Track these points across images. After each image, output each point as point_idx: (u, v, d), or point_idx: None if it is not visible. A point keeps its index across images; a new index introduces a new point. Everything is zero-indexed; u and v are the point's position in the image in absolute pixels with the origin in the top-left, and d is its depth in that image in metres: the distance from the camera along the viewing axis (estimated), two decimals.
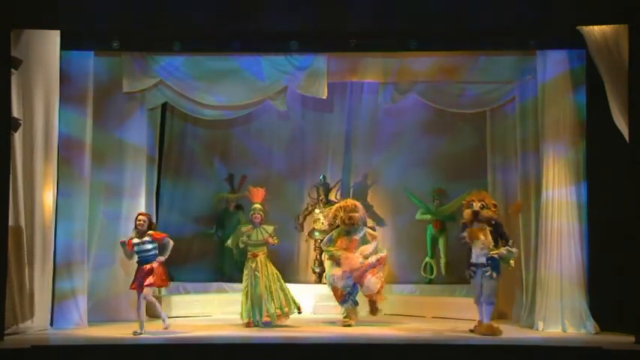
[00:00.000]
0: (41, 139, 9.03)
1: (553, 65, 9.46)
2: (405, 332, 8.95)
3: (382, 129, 11.80)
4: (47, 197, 9.09)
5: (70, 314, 9.27)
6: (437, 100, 10.55)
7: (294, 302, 9.51)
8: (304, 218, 11.66)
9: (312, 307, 10.78)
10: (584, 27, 8.84)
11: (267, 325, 9.30)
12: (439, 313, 10.35)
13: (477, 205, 8.75)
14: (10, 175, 8.47)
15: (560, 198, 9.27)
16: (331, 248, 9.66)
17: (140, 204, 10.14)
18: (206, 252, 11.83)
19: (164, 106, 10.87)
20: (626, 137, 8.54)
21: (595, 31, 8.81)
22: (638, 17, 8.31)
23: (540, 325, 9.16)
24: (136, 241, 8.80)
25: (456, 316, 9.86)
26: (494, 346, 7.97)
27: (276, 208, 11.74)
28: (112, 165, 10.06)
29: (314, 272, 11.50)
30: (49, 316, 9.13)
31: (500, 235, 8.79)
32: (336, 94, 11.54)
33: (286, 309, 9.39)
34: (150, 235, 8.82)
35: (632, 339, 8.16)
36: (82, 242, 9.46)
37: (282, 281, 9.54)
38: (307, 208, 11.66)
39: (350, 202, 9.84)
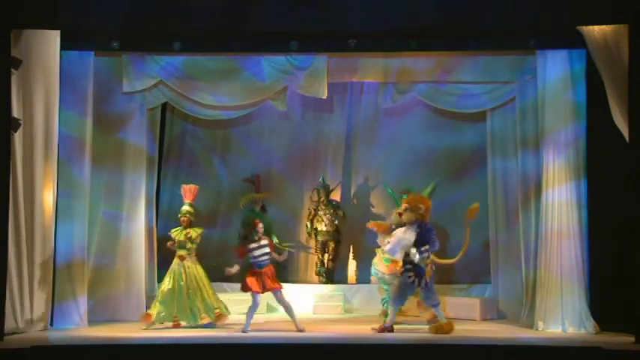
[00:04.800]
0: (41, 139, 9.03)
1: (553, 65, 9.46)
2: (405, 332, 8.94)
3: (382, 129, 11.79)
4: (47, 197, 9.08)
5: (70, 314, 9.28)
6: (437, 100, 10.56)
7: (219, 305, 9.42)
8: (311, 223, 11.61)
9: (312, 307, 10.77)
10: (584, 27, 8.84)
11: (211, 326, 9.20)
12: None
13: (402, 208, 8.87)
14: (10, 175, 8.46)
15: (560, 198, 9.27)
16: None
17: (140, 204, 10.16)
18: (206, 252, 11.81)
19: (164, 106, 10.86)
20: (626, 137, 8.53)
21: (595, 31, 8.81)
22: (638, 17, 8.30)
23: (540, 325, 9.16)
24: (254, 245, 8.99)
25: (455, 316, 9.84)
26: (494, 346, 7.97)
27: (276, 207, 11.77)
28: (112, 165, 10.06)
29: (318, 274, 11.47)
30: (49, 316, 9.13)
31: (424, 241, 8.72)
32: (336, 94, 11.53)
33: (217, 310, 9.30)
34: (266, 239, 9.10)
35: (632, 339, 8.16)
36: (82, 242, 9.46)
37: (208, 283, 9.42)
38: (311, 212, 11.62)
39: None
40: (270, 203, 11.72)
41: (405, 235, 8.73)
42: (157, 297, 9.36)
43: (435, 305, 8.78)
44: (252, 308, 8.98)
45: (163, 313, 9.19)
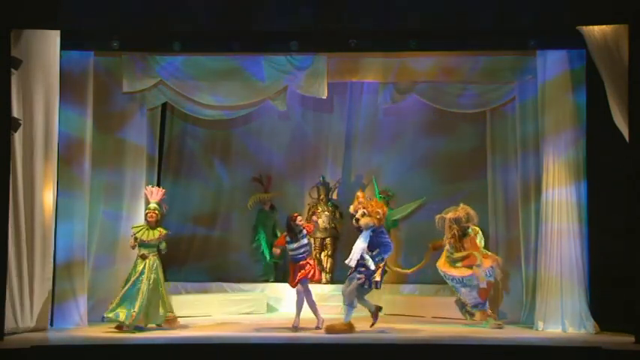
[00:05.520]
0: (41, 139, 9.02)
1: (553, 65, 9.46)
2: (405, 332, 8.94)
3: (382, 129, 11.81)
4: (47, 197, 9.08)
5: (70, 314, 9.28)
6: (437, 100, 10.56)
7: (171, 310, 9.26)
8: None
9: None
10: (584, 27, 8.83)
11: (140, 328, 8.89)
12: (439, 313, 10.34)
13: (359, 213, 8.88)
14: (10, 175, 8.46)
15: (560, 198, 9.27)
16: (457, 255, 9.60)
17: (140, 204, 10.15)
18: (206, 252, 11.84)
19: (164, 106, 10.88)
20: (626, 137, 8.53)
21: (595, 31, 8.81)
22: (638, 17, 8.30)
23: (540, 325, 9.16)
24: (290, 239, 9.04)
25: (456, 316, 9.85)
26: (494, 346, 7.97)
27: (276, 208, 11.77)
28: (112, 165, 10.06)
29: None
30: (49, 316, 9.13)
31: (376, 244, 8.79)
32: (336, 94, 11.55)
33: (170, 314, 9.15)
34: (305, 230, 9.13)
35: (632, 339, 8.16)
36: (82, 242, 9.46)
37: (164, 288, 9.19)
38: (310, 210, 11.63)
39: (461, 212, 9.59)
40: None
41: (362, 244, 8.78)
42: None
43: (350, 305, 8.84)
44: (310, 302, 9.21)
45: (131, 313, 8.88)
